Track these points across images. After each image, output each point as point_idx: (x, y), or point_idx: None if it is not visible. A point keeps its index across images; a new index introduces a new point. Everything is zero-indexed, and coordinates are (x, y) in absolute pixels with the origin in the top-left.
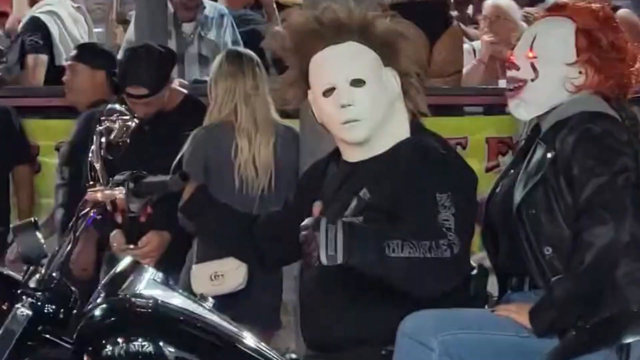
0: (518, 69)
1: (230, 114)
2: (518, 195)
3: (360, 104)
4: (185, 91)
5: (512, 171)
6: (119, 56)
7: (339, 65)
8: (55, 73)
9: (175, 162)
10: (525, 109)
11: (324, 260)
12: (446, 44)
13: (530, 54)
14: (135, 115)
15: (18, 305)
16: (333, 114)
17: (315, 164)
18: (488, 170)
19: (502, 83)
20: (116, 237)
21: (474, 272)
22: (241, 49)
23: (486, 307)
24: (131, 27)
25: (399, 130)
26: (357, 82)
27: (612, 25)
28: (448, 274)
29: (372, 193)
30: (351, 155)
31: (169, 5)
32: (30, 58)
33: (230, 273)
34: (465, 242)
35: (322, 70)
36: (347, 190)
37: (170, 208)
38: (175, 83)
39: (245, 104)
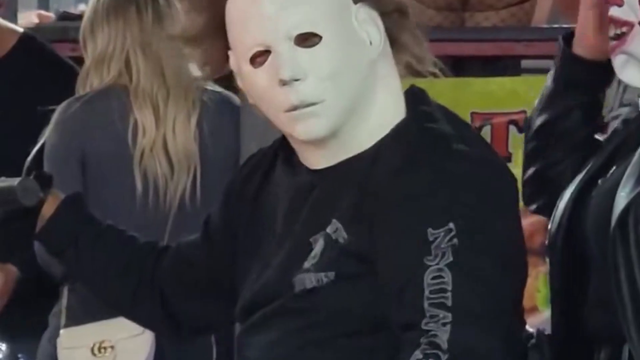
0: (621, 3)
1: (120, 73)
2: (625, 197)
3: (316, 75)
4: (20, 30)
5: (615, 167)
6: None
7: (272, 11)
8: None
9: (30, 158)
10: (637, 69)
11: None
12: None
13: None
14: None
15: None
16: (270, 96)
17: (254, 158)
18: None
19: None
20: None
21: (532, 342)
22: None
23: None
24: None
25: (388, 110)
26: (307, 38)
27: None
28: None
29: (348, 228)
30: (310, 158)
31: None
32: None
33: (123, 344)
34: (497, 315)
35: (243, 23)
36: (307, 221)
37: (18, 234)
38: (25, 17)
39: (143, 54)
